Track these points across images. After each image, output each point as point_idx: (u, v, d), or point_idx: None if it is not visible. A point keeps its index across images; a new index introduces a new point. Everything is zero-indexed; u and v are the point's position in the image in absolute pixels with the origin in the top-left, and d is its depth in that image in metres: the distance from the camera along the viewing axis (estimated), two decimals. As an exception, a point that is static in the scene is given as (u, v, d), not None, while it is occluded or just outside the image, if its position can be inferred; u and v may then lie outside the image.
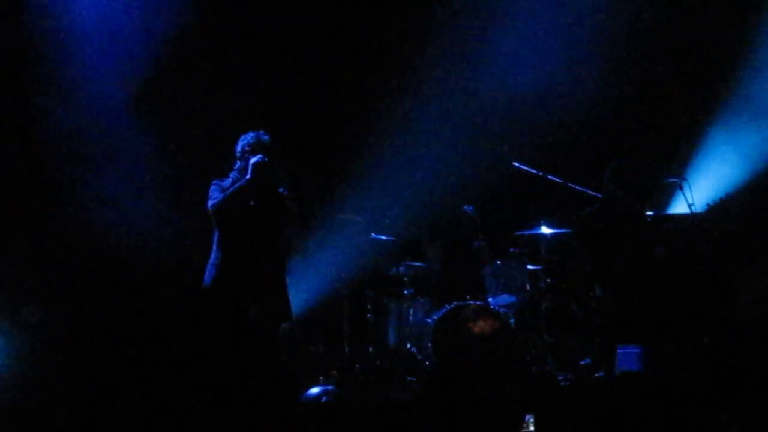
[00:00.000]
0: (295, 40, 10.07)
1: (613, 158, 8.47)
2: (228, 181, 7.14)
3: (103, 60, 9.13)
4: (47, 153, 8.90)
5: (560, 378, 8.72)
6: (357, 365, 9.33)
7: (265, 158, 7.01)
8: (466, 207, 9.72)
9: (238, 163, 7.20)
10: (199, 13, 9.44)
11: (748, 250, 9.61)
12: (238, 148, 7.22)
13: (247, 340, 7.02)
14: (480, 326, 8.84)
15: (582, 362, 8.85)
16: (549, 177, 9.08)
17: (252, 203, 7.08)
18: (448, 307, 8.90)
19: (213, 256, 7.12)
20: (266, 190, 7.10)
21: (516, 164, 9.28)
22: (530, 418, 7.12)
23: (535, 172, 9.14)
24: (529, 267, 9.64)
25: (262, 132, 7.21)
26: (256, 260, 7.09)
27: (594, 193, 8.72)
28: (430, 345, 8.91)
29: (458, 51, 10.53)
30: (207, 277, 7.10)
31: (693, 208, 8.73)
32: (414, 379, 8.92)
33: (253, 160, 7.00)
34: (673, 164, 9.91)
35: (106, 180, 9.07)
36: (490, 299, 9.23)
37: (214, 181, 7.16)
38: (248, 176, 6.99)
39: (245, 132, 7.28)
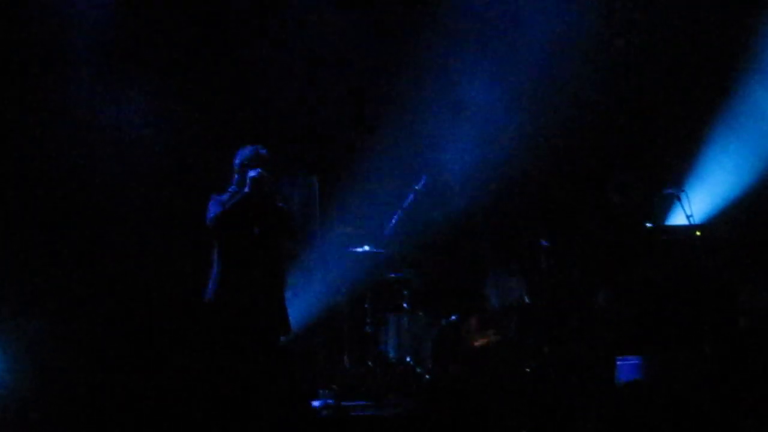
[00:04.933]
0: (287, 49, 10.07)
1: (615, 169, 8.48)
2: (226, 196, 7.16)
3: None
4: (47, 161, 8.91)
5: (560, 389, 8.72)
6: (356, 378, 9.31)
7: (263, 172, 7.04)
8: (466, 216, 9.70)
9: (236, 177, 7.24)
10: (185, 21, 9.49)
11: (748, 261, 9.62)
12: (236, 162, 7.25)
13: (248, 354, 7.04)
14: (480, 339, 8.83)
15: (583, 373, 8.83)
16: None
17: (251, 217, 7.10)
18: (448, 320, 8.89)
19: (213, 271, 7.14)
20: (265, 204, 7.13)
21: None
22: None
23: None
24: (529, 277, 9.63)
25: (259, 146, 7.25)
26: (255, 274, 7.11)
27: (594, 203, 8.73)
28: (429, 358, 8.89)
29: (451, 61, 10.52)
30: (209, 292, 7.12)
31: (691, 219, 8.73)
32: (413, 392, 8.89)
33: (251, 174, 7.03)
34: (672, 176, 9.91)
35: (104, 191, 9.08)
36: (489, 310, 9.23)
37: (213, 196, 7.18)
38: (246, 190, 7.03)
39: (242, 146, 7.31)
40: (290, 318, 7.33)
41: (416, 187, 9.68)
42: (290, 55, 10.01)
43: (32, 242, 8.77)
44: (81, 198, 9.01)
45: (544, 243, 9.32)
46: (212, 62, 9.71)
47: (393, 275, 9.63)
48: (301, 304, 9.27)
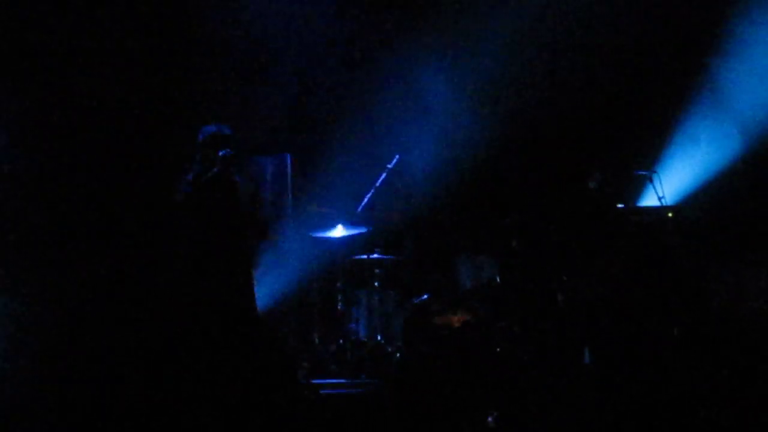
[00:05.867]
0: (270, 33, 10.03)
1: (592, 152, 8.49)
2: (191, 175, 7.13)
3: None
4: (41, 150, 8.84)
5: (529, 371, 8.74)
6: (327, 357, 9.31)
7: (231, 151, 7.01)
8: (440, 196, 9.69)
9: (199, 154, 7.21)
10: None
11: (719, 242, 9.66)
12: (199, 140, 7.22)
13: (222, 335, 7.04)
14: (450, 318, 8.83)
15: (551, 355, 8.86)
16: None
17: (219, 196, 7.08)
18: (419, 299, 8.89)
19: (177, 250, 7.13)
20: (232, 183, 7.12)
21: None
22: (494, 414, 7.15)
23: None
24: (501, 258, 9.64)
25: (223, 125, 7.22)
26: (221, 255, 7.09)
27: (569, 187, 8.75)
28: (400, 337, 8.89)
29: (435, 46, 10.50)
30: (173, 272, 7.11)
31: (663, 200, 8.76)
32: (384, 371, 8.89)
33: (221, 153, 7.01)
34: (644, 157, 9.94)
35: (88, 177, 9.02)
36: (460, 290, 9.23)
37: (181, 176, 7.14)
38: (216, 169, 7.01)
39: (205, 124, 7.28)
40: (261, 296, 7.34)
41: (389, 166, 9.65)
42: (266, 39, 9.99)
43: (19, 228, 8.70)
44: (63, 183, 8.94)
45: (515, 223, 9.32)
46: (183, 40, 9.63)
47: (365, 256, 9.61)
48: (272, 282, 9.24)
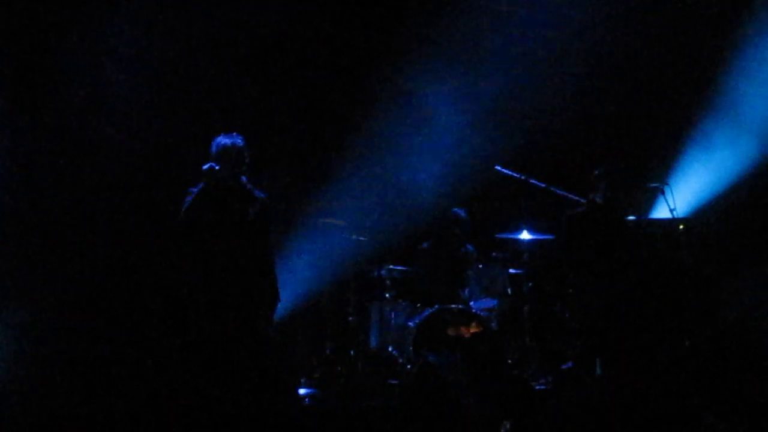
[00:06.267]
0: (277, 42, 10.05)
1: (599, 163, 8.49)
2: (195, 189, 7.10)
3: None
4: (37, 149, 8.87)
5: (541, 382, 8.74)
6: (338, 368, 9.31)
7: (214, 165, 6.96)
8: (457, 209, 9.67)
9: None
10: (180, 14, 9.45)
11: (730, 254, 9.66)
12: (211, 152, 7.18)
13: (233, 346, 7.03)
14: (462, 330, 8.83)
15: (564, 366, 8.86)
16: (531, 181, 9.09)
17: (213, 210, 7.05)
18: (430, 311, 8.89)
19: (189, 264, 7.12)
20: (226, 196, 7.08)
21: (498, 168, 9.28)
22: (507, 425, 7.13)
23: (517, 176, 9.15)
24: (511, 271, 9.65)
25: (223, 135, 7.16)
26: (231, 267, 7.07)
27: (576, 198, 8.74)
28: (411, 348, 8.89)
29: (442, 55, 10.52)
30: (185, 284, 7.12)
31: (675, 213, 8.75)
32: (395, 382, 8.89)
33: (204, 167, 6.98)
34: (656, 169, 9.94)
35: (94, 181, 9.04)
36: (472, 303, 9.22)
37: (189, 190, 7.11)
38: (201, 184, 6.99)
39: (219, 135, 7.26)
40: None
41: None
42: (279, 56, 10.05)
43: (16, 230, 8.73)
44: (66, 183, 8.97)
45: (526, 237, 9.32)
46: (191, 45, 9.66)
47: (375, 272, 9.63)
48: (283, 294, 9.23)
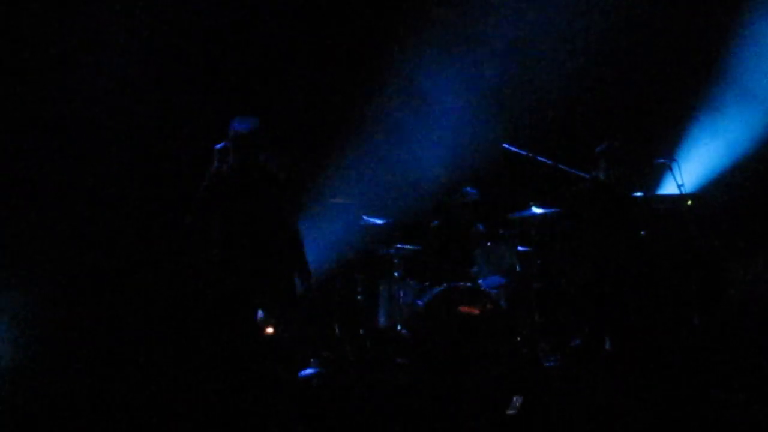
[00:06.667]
0: (286, 25, 10.06)
1: (605, 139, 8.49)
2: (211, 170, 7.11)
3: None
4: (39, 145, 8.88)
5: (551, 359, 8.76)
6: (347, 347, 9.35)
7: (226, 144, 7.00)
8: (467, 188, 9.67)
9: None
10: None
11: (738, 230, 9.64)
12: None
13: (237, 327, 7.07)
14: (470, 308, 8.84)
15: (572, 343, 8.87)
16: (538, 158, 9.08)
17: (230, 188, 7.07)
18: (439, 289, 8.89)
19: (214, 249, 7.14)
20: (244, 174, 7.09)
21: (505, 146, 9.28)
22: (518, 400, 7.15)
23: (524, 153, 9.14)
24: (520, 248, 9.64)
25: (239, 118, 7.16)
26: (252, 245, 7.09)
27: (583, 174, 8.73)
28: (420, 327, 8.90)
29: (450, 36, 10.51)
30: (210, 269, 7.14)
31: (682, 189, 8.75)
32: (404, 360, 8.92)
33: (216, 147, 7.01)
34: (663, 145, 9.92)
35: (99, 171, 9.05)
36: (480, 281, 9.23)
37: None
38: (216, 164, 7.01)
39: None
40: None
41: None
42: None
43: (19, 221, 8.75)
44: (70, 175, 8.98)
45: (534, 214, 9.31)
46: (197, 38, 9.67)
47: (384, 251, 9.64)
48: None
